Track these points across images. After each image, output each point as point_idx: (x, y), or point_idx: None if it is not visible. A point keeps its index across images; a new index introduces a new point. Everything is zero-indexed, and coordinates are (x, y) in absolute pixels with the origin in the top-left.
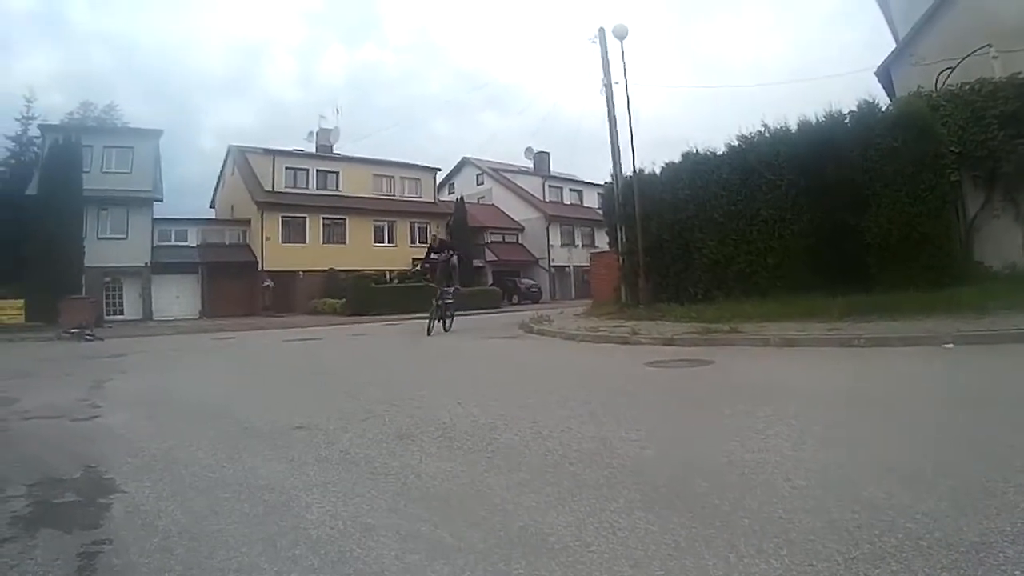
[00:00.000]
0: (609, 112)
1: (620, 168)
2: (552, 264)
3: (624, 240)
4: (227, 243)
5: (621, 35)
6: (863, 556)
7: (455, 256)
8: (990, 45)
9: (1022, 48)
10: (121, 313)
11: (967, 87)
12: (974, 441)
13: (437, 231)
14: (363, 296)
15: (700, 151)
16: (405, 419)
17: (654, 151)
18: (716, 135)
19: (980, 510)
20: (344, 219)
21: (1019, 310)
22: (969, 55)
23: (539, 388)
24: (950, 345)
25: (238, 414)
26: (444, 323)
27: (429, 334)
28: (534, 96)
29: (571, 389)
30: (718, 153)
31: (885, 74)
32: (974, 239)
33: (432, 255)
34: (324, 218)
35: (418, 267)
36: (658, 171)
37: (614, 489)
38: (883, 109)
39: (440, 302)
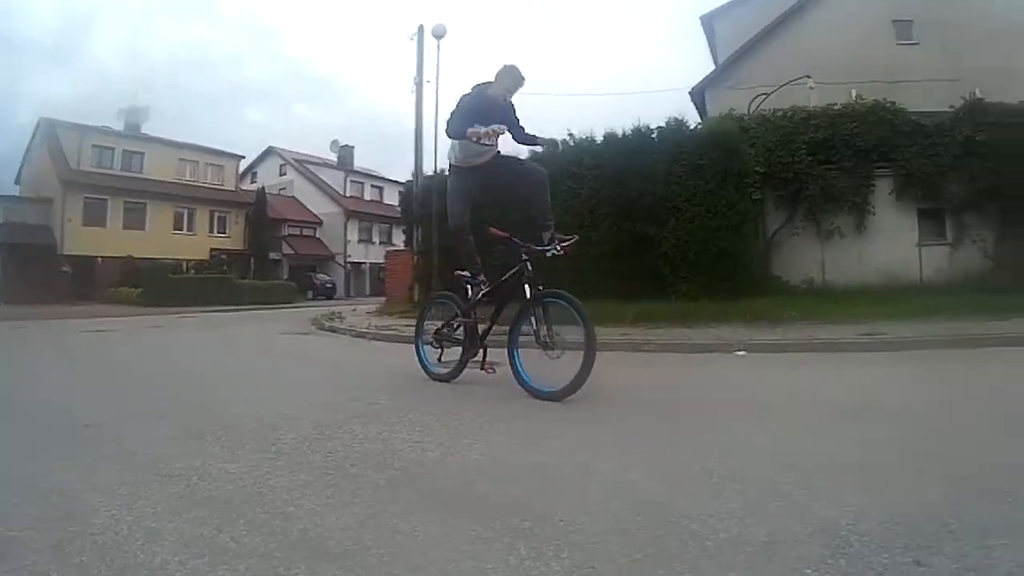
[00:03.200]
0: (417, 110)
1: (421, 167)
2: (349, 260)
3: (420, 239)
4: (29, 223)
5: (440, 34)
6: (647, 557)
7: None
8: (808, 76)
9: (838, 82)
10: None
11: (779, 113)
12: (762, 445)
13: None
14: (160, 286)
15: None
16: (191, 418)
17: None
18: None
19: (769, 511)
20: (145, 204)
21: (811, 321)
22: (787, 83)
23: (325, 386)
24: (742, 353)
25: (26, 411)
26: (514, 363)
27: (454, 375)
28: (349, 89)
29: (357, 388)
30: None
31: (700, 95)
32: (773, 254)
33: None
34: (126, 201)
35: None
36: None
37: (395, 491)
38: (692, 128)
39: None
